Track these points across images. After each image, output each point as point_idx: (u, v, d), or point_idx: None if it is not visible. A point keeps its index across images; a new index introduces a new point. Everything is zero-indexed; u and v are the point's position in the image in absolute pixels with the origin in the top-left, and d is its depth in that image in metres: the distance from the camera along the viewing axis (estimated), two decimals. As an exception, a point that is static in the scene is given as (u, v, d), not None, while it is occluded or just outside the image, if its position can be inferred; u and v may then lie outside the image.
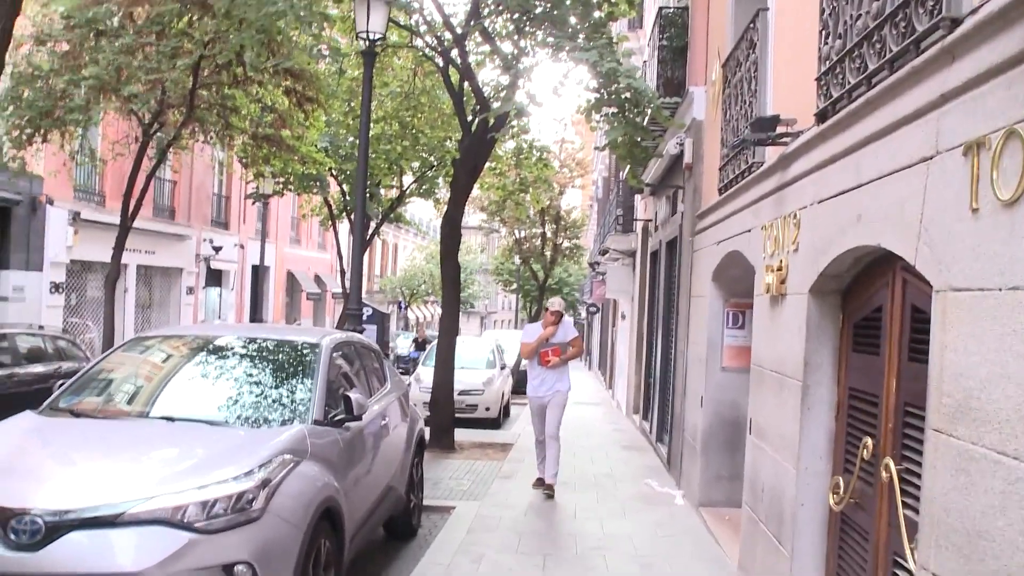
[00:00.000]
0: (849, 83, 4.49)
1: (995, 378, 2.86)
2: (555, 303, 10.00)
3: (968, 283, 3.08)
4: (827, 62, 4.86)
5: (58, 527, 3.98)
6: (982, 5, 3.15)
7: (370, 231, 24.30)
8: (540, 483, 9.55)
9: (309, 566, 4.58)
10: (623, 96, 9.59)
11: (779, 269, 5.61)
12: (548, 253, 33.75)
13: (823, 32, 4.96)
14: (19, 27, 13.74)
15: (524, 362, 10.34)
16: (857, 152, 4.34)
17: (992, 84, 3.00)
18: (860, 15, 4.35)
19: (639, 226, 17.52)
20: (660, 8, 11.96)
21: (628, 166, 11.12)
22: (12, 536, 3.99)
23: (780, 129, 5.71)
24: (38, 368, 12.15)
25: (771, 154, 6.12)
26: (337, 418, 5.58)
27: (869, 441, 4.27)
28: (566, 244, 34.94)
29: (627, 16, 13.46)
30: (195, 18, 12.39)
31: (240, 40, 10.00)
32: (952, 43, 3.29)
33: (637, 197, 17.35)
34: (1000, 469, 2.79)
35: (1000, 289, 2.85)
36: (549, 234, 33.16)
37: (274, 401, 5.63)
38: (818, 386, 5.01)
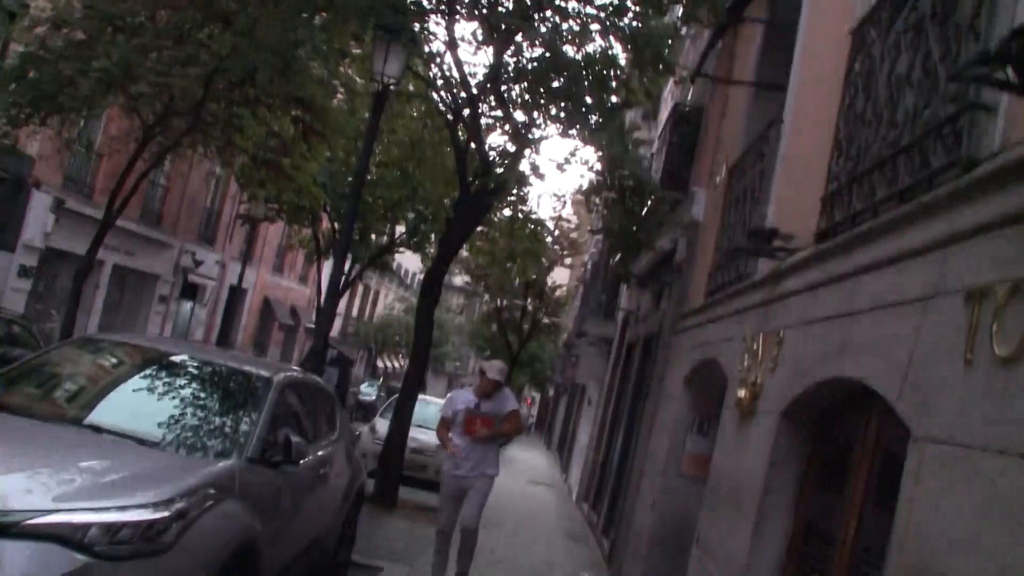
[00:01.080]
0: (855, 208, 4.38)
1: (966, 545, 2.66)
2: (492, 368, 7.89)
3: (950, 436, 2.90)
4: (835, 182, 4.76)
5: (-59, 528, 3.68)
6: (1002, 151, 3.04)
7: (354, 272, 24.10)
8: None
9: (213, 610, 4.27)
10: (626, 183, 9.52)
11: (753, 384, 5.44)
12: (526, 327, 33.55)
13: (835, 153, 4.87)
14: (37, 8, 13.72)
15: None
16: (852, 279, 4.20)
17: (1005, 232, 2.86)
18: (875, 141, 4.25)
19: (620, 316, 17.39)
20: (676, 104, 12.00)
21: (619, 254, 11.02)
22: None
23: (777, 243, 5.59)
24: (-12, 353, 11.76)
25: (763, 268, 5.99)
26: (274, 459, 5.31)
27: (819, 581, 4.05)
28: (546, 320, 34.77)
29: (643, 106, 13.51)
30: (215, 31, 12.34)
31: (254, 59, 9.90)
32: (968, 184, 3.17)
33: (623, 286, 17.25)
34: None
35: (985, 450, 2.67)
36: (530, 308, 33.00)
37: (213, 429, 5.35)
38: (775, 513, 4.79)
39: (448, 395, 8.60)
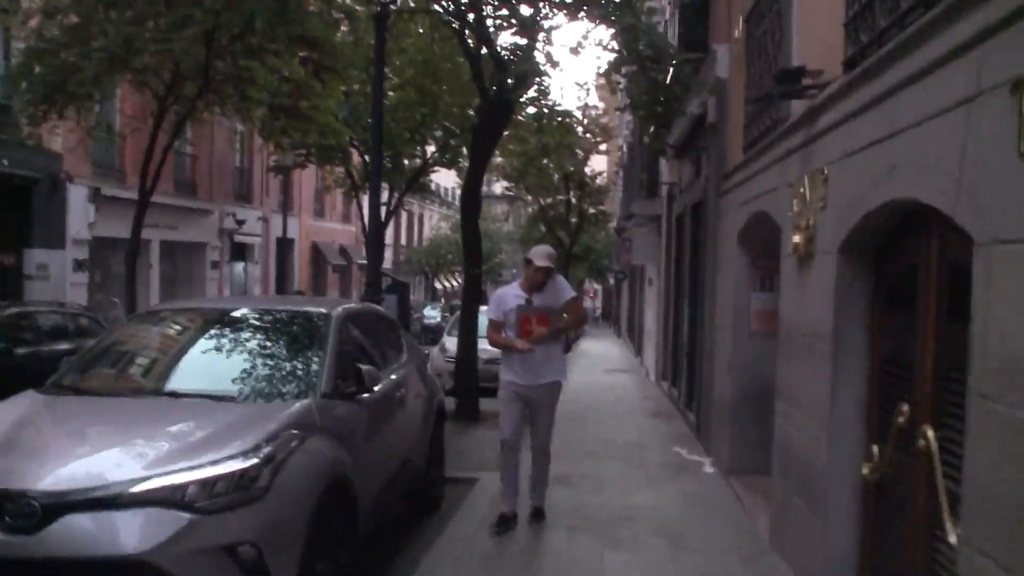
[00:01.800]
0: (880, 26, 4.20)
1: (1047, 338, 2.60)
2: (539, 254, 6.58)
3: (1015, 234, 2.81)
4: (855, 5, 4.56)
5: (56, 509, 3.83)
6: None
7: (394, 202, 24.11)
8: (507, 522, 6.54)
9: (319, 543, 4.41)
10: (644, 54, 9.27)
11: (806, 228, 5.33)
12: (573, 220, 33.38)
13: (851, -27, 4.65)
14: (28, 0, 13.64)
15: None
16: (890, 99, 4.04)
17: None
18: (891, -50, 4.04)
19: (664, 190, 17.17)
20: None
21: (651, 128, 10.81)
22: (8, 519, 3.84)
23: (806, 81, 5.41)
24: (61, 345, 12.08)
25: (797, 109, 5.82)
26: (348, 391, 5.40)
27: (905, 407, 4.01)
28: (592, 211, 34.53)
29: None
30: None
31: (250, 7, 9.75)
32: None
33: (662, 160, 16.98)
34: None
35: (1052, 239, 2.58)
36: (574, 200, 32.76)
37: (283, 374, 5.45)
38: (849, 350, 4.75)
39: (494, 294, 6.84)
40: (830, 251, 4.88)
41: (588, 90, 22.78)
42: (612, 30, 9.61)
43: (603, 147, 30.80)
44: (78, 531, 3.80)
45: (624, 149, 31.67)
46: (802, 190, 5.52)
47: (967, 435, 3.15)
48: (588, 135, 27.80)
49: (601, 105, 30.84)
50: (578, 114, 22.28)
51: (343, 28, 16.11)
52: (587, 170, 32.40)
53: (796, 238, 5.53)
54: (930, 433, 3.60)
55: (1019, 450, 2.72)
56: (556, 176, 29.18)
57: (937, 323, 3.80)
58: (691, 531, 6.59)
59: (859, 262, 4.72)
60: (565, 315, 6.59)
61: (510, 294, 6.67)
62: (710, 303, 9.85)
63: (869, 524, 4.66)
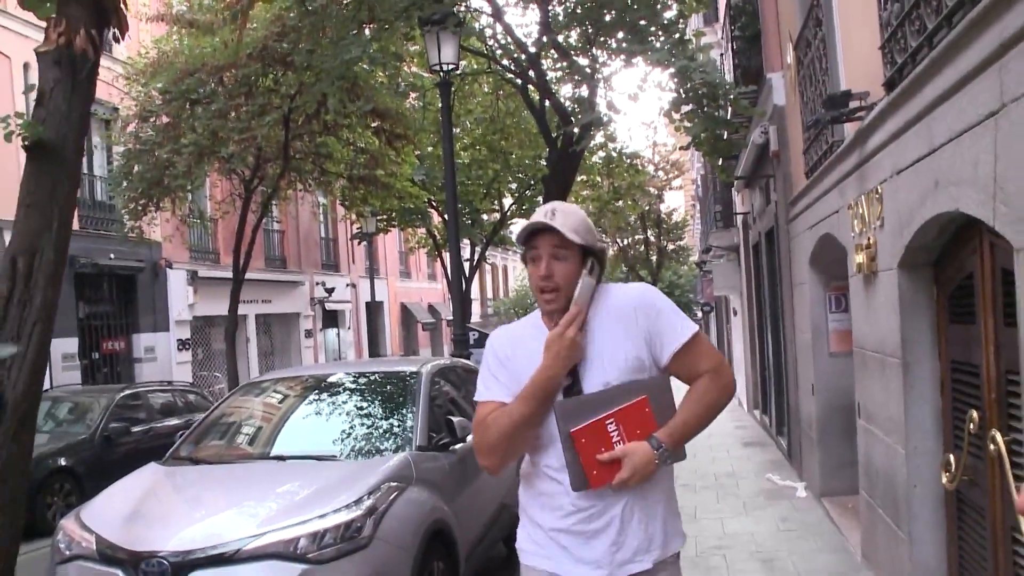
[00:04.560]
0: (911, 47, 4.37)
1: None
2: (560, 215, 2.48)
3: (1046, 238, 2.96)
4: (888, 28, 4.74)
5: (182, 566, 4.21)
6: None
7: (476, 256, 24.64)
8: None
9: (423, 588, 4.69)
10: (699, 91, 9.51)
11: (868, 247, 5.46)
12: (654, 257, 33.46)
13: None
14: (125, 107, 14.72)
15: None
16: (927, 116, 4.21)
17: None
18: (914, -25, 4.23)
19: (739, 220, 17.22)
20: (729, 3, 11.81)
21: (718, 161, 11.00)
22: (141, 577, 4.24)
23: (853, 104, 5.58)
24: (172, 421, 12.74)
25: (850, 131, 5.98)
26: (442, 442, 5.70)
27: (975, 414, 4.10)
28: (671, 246, 34.58)
29: (697, 12, 13.33)
30: (279, 75, 12.91)
31: (322, 89, 10.36)
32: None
33: (734, 191, 17.08)
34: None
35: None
36: (652, 238, 32.88)
37: (380, 431, 5.79)
38: (919, 362, 4.84)
39: (492, 340, 2.75)
40: (891, 267, 5.01)
41: (656, 128, 23.08)
42: (668, 71, 9.87)
43: (677, 183, 30.91)
44: (204, 586, 4.17)
45: (698, 183, 31.72)
46: (860, 210, 5.66)
47: (1026, 433, 3.26)
48: (660, 172, 28.00)
49: (671, 140, 31.04)
50: (648, 153, 22.58)
51: (411, 97, 16.82)
52: (663, 207, 32.52)
53: (859, 258, 5.66)
54: (998, 437, 3.69)
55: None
56: (632, 216, 29.38)
57: (996, 329, 3.91)
58: (784, 554, 6.65)
59: (919, 276, 4.84)
60: (702, 383, 2.65)
61: (521, 344, 2.65)
62: (790, 328, 9.90)
63: (954, 534, 4.71)
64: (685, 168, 31.15)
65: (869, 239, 5.47)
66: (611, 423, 2.42)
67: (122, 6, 3.50)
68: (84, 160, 17.95)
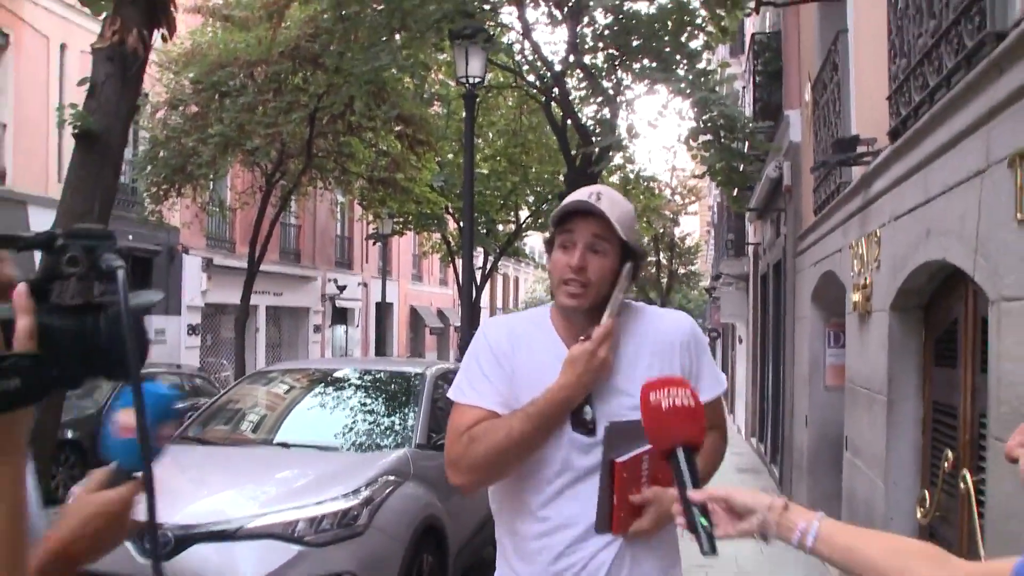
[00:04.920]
0: (914, 101, 4.59)
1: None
2: (585, 191, 2.12)
3: (1018, 292, 3.17)
4: (895, 81, 4.96)
5: (185, 540, 4.43)
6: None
7: (489, 266, 24.88)
8: None
9: (412, 577, 4.91)
10: (718, 123, 9.74)
11: (864, 287, 5.67)
12: (664, 280, 33.66)
13: (891, 52, 5.07)
14: (155, 93, 15.05)
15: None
16: (924, 168, 4.43)
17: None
18: (920, 34, 4.46)
19: (751, 250, 17.42)
20: (753, 34, 12.04)
21: (733, 191, 11.23)
22: (147, 546, 4.46)
23: (861, 149, 5.80)
24: (177, 404, 12.96)
25: (856, 174, 6.19)
26: (441, 442, 5.91)
27: (950, 453, 4.30)
28: (682, 270, 34.79)
29: (721, 44, 13.56)
30: (308, 74, 13.20)
31: (349, 92, 10.62)
32: (998, 56, 3.39)
33: (747, 221, 17.29)
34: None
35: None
36: (664, 261, 33.09)
37: (381, 427, 6.02)
38: (903, 401, 5.05)
39: (481, 331, 2.28)
40: (883, 308, 5.22)
41: (675, 153, 23.32)
42: (688, 101, 10.10)
43: (693, 208, 31.11)
44: (204, 559, 4.39)
45: (714, 209, 31.92)
46: (860, 251, 5.87)
47: (988, 475, 3.46)
48: (677, 197, 28.24)
49: (691, 166, 31.29)
50: (666, 176, 22.81)
51: (436, 104, 17.10)
52: (677, 230, 32.73)
53: (856, 296, 5.87)
54: (968, 476, 3.90)
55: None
56: (646, 238, 29.59)
57: (973, 374, 4.12)
58: (765, 577, 6.84)
59: (910, 318, 5.05)
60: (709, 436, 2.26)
61: (523, 344, 2.20)
62: (790, 359, 10.09)
63: (927, 567, 4.90)
64: (702, 194, 31.40)
65: (866, 279, 5.68)
66: (646, 460, 2.01)
67: (172, 8, 3.76)
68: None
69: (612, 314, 2.05)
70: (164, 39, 4.12)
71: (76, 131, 3.47)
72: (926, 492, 4.64)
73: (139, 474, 1.32)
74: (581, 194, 2.10)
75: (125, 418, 1.33)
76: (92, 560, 1.31)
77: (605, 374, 2.03)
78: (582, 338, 2.02)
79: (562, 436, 2.04)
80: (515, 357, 2.12)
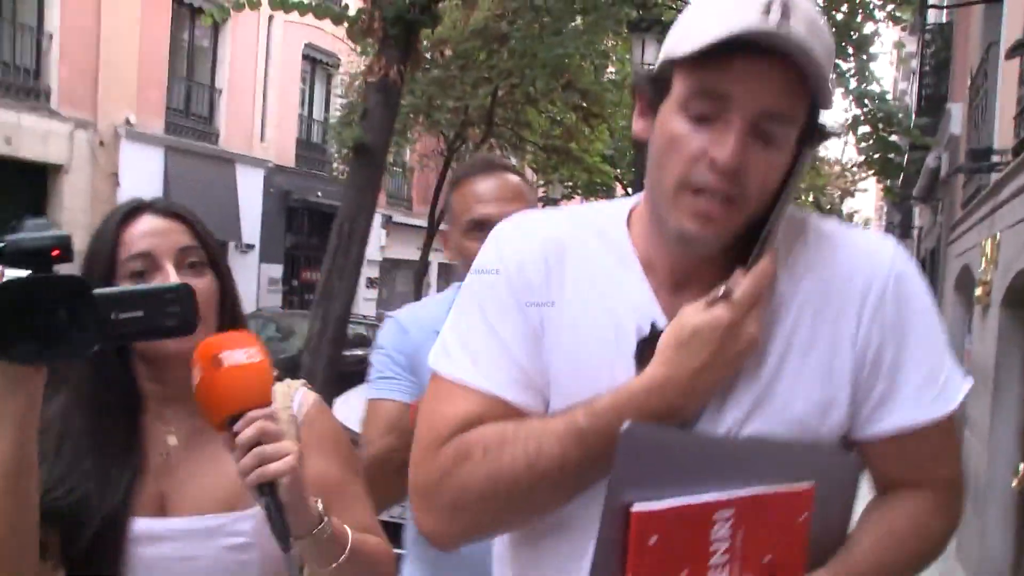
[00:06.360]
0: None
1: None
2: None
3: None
4: (1021, 104, 5.60)
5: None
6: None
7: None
8: None
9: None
10: (876, 115, 10.21)
11: (985, 283, 6.33)
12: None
13: (1021, 73, 5.68)
14: (350, 62, 16.60)
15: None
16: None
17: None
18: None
19: (916, 233, 17.56)
20: (924, 25, 12.32)
21: (887, 181, 11.65)
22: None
23: (995, 159, 6.40)
24: (358, 352, 14.48)
25: (993, 180, 6.77)
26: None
27: (1041, 432, 5.04)
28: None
29: (900, 24, 13.74)
30: (495, 51, 14.35)
31: (533, 75, 11.68)
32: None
33: (913, 205, 17.40)
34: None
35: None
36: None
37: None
38: (1008, 385, 5.75)
39: (497, 248, 1.16)
40: (997, 302, 5.90)
41: (848, 128, 23.17)
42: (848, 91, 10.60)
43: (862, 185, 30.73)
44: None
45: (885, 188, 31.37)
46: (987, 250, 6.51)
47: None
48: (847, 173, 28.03)
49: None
50: (837, 153, 22.81)
51: (610, 71, 17.94)
52: (846, 207, 32.38)
53: (978, 291, 6.53)
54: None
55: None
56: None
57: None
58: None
59: (1017, 313, 5.73)
60: None
61: (583, 278, 1.12)
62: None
63: (1019, 528, 5.64)
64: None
65: (988, 276, 6.33)
66: (726, 516, 1.01)
67: (418, 48, 4.92)
68: (304, 105, 20.20)
69: (774, 243, 1.07)
70: (412, 70, 5.30)
71: (350, 144, 4.73)
72: (1021, 465, 5.37)
73: None
74: (749, 4, 0.98)
75: None
76: None
77: (750, 361, 1.05)
78: (713, 294, 1.03)
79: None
80: (555, 296, 1.12)
